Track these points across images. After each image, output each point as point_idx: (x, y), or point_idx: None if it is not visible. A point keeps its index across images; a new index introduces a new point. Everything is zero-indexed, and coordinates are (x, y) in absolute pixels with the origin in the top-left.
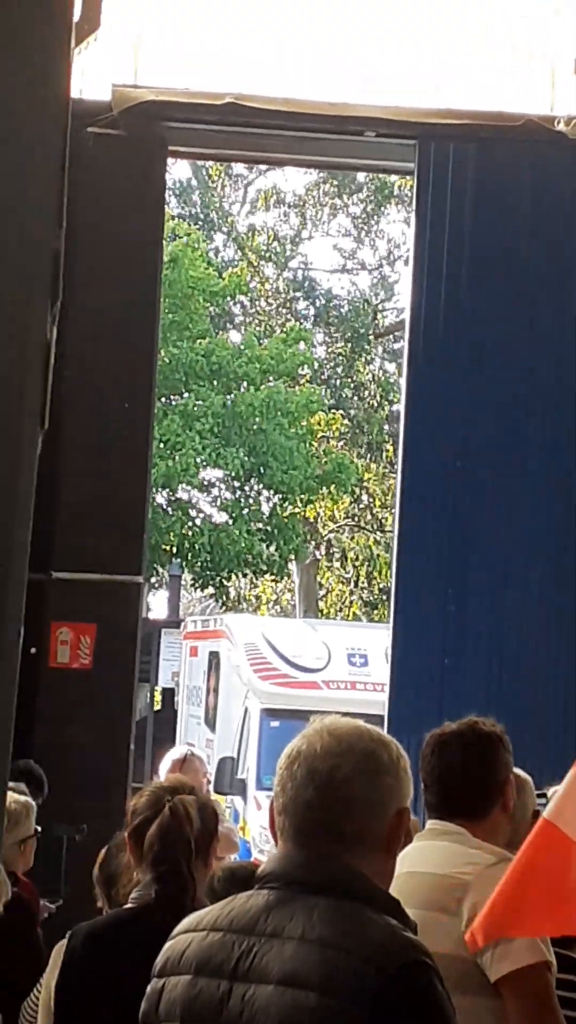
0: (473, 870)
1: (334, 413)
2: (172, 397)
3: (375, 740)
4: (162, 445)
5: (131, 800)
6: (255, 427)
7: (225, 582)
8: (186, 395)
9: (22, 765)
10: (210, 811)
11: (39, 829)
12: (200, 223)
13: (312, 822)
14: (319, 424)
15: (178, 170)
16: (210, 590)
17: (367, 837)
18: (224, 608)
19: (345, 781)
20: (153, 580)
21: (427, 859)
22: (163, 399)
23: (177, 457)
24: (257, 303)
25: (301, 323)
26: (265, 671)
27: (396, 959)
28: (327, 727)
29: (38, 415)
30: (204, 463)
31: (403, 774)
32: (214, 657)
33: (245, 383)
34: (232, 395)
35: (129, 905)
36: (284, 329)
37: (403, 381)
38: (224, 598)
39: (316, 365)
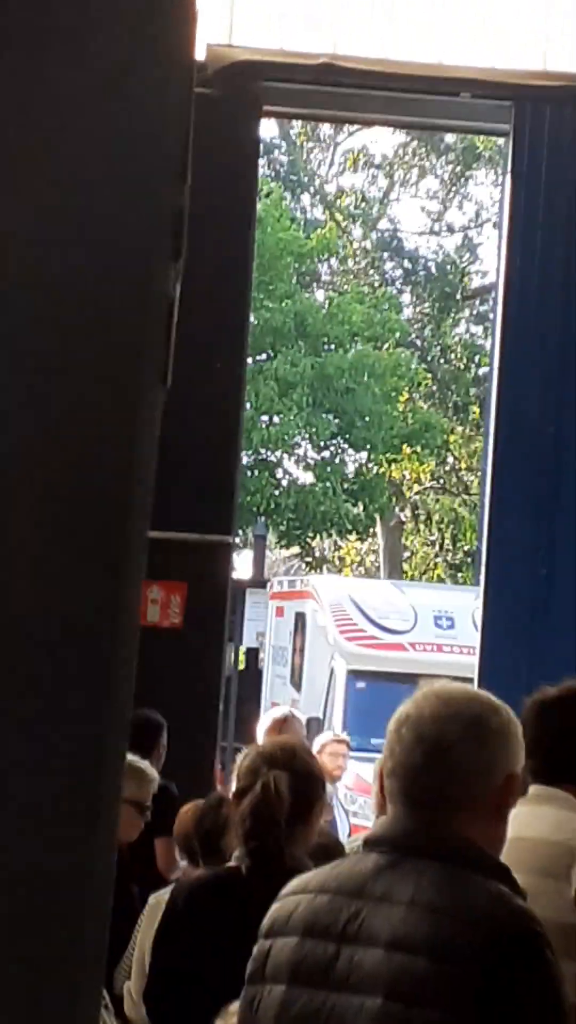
0: None
1: (420, 373)
2: (263, 359)
3: (484, 705)
4: (256, 410)
5: (235, 761)
6: (343, 389)
7: (310, 542)
8: (276, 358)
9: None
10: (314, 779)
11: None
12: (287, 183)
13: (420, 787)
14: (406, 384)
15: (265, 129)
16: (295, 550)
17: (476, 802)
18: (308, 568)
19: (452, 746)
20: (237, 540)
21: (533, 824)
22: (253, 361)
23: (274, 427)
24: (345, 263)
25: (388, 285)
26: (351, 632)
27: (508, 928)
28: (436, 691)
29: (161, 373)
30: (298, 430)
31: (513, 739)
32: (300, 618)
33: (333, 345)
34: (320, 358)
35: (230, 864)
36: (373, 292)
37: (494, 343)
38: (309, 558)
39: (403, 327)
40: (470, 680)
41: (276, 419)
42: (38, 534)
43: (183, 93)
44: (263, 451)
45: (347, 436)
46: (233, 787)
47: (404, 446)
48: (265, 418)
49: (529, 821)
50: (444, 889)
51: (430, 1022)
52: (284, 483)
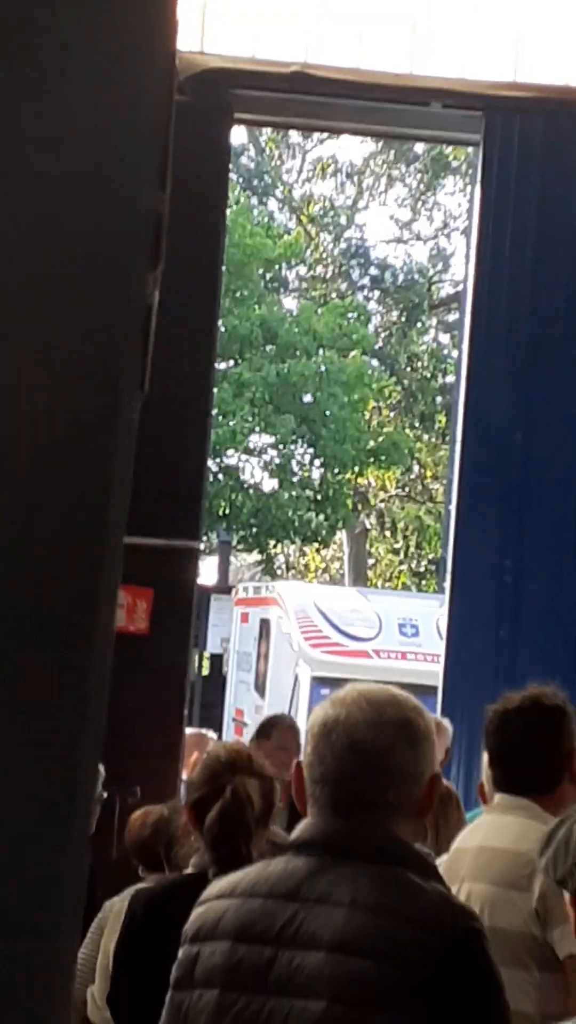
0: None
1: (386, 381)
2: (227, 365)
3: (411, 708)
4: (213, 412)
5: (187, 769)
6: (308, 397)
7: (271, 549)
8: (240, 363)
9: None
10: (269, 786)
11: (104, 794)
12: (254, 189)
13: (353, 792)
14: (372, 394)
15: (235, 136)
16: (257, 556)
17: (405, 804)
18: (271, 575)
19: (387, 752)
20: (203, 545)
21: (497, 834)
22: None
23: (224, 425)
24: (313, 270)
25: (355, 293)
26: (316, 639)
27: (454, 927)
28: (364, 696)
29: (138, 379)
30: (253, 429)
31: (434, 739)
32: (265, 624)
33: (298, 353)
34: (286, 364)
35: (189, 871)
36: (341, 301)
37: (461, 351)
38: (271, 565)
39: (369, 335)
40: (435, 688)
41: (229, 419)
42: (18, 538)
43: (163, 101)
44: (226, 455)
45: (313, 447)
46: (189, 798)
47: (371, 459)
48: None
49: (493, 831)
50: (385, 890)
51: (374, 1023)
52: (245, 487)
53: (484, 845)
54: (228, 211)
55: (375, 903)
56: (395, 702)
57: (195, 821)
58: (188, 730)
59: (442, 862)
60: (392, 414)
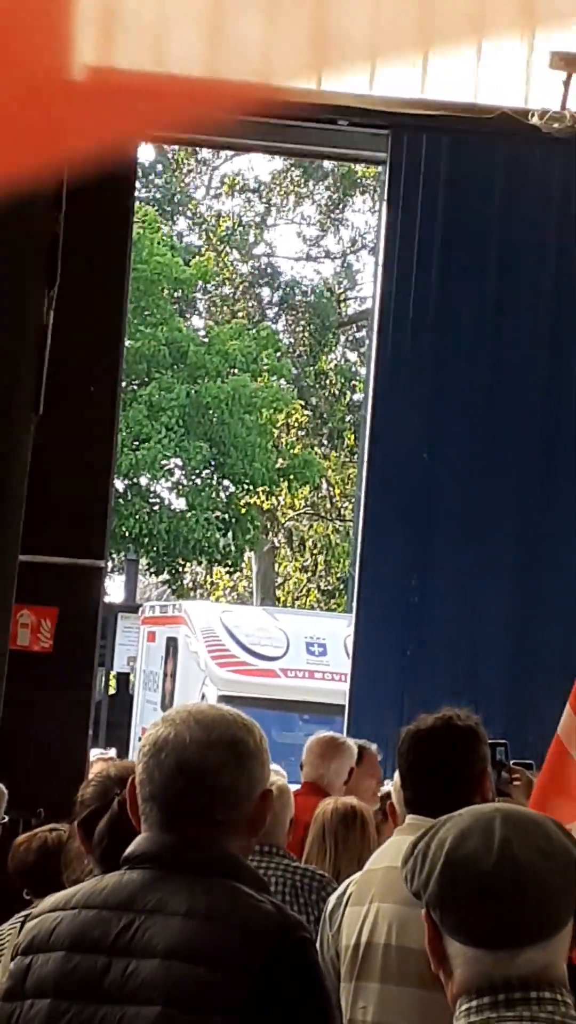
0: None
1: (296, 405)
2: (135, 385)
3: (241, 727)
4: (127, 435)
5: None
6: (218, 419)
7: (181, 569)
8: (150, 384)
9: None
10: None
11: (6, 818)
12: (162, 207)
13: (184, 811)
14: (282, 416)
15: (143, 153)
16: (165, 576)
17: (236, 821)
18: (179, 595)
19: (215, 771)
20: (110, 564)
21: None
22: (126, 387)
23: (143, 449)
24: (220, 289)
25: (265, 308)
26: (223, 658)
27: (285, 936)
28: (194, 715)
29: (32, 401)
30: (168, 455)
31: (265, 757)
32: (172, 642)
33: (209, 374)
34: (197, 386)
35: None
36: (251, 323)
37: (369, 370)
38: (179, 585)
39: (279, 354)
40: (342, 708)
41: (146, 445)
42: None
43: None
44: (135, 477)
45: (222, 467)
46: (78, 816)
47: (281, 480)
48: (136, 442)
49: (402, 850)
50: (219, 900)
51: None
52: (156, 509)
53: (392, 865)
54: (136, 228)
55: (208, 912)
56: (224, 721)
57: (84, 838)
58: (93, 751)
59: (351, 882)
60: (301, 433)
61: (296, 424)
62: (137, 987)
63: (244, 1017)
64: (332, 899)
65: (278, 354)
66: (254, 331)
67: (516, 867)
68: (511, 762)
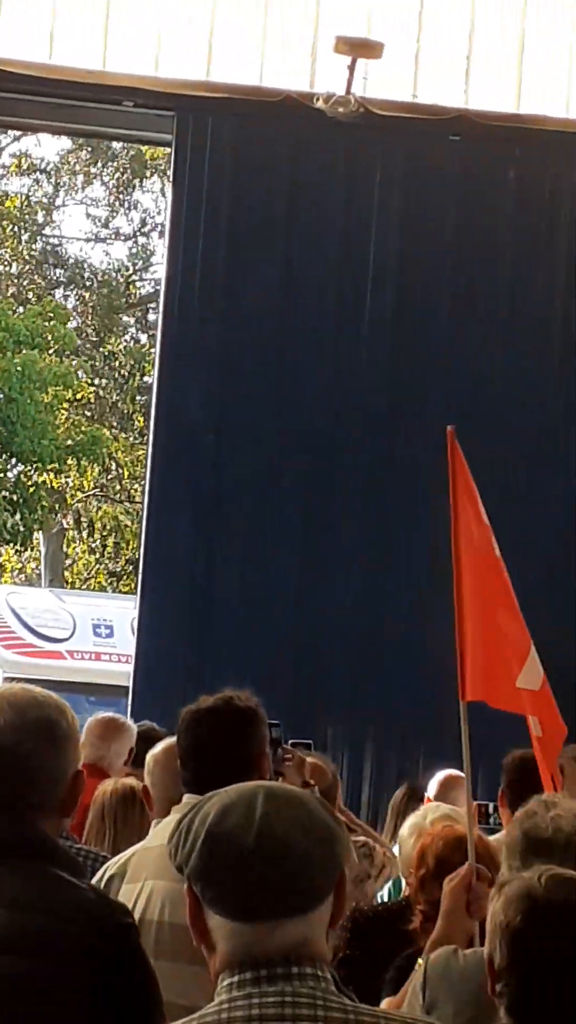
0: None
1: (83, 384)
2: None
3: (54, 708)
4: None
5: None
6: (5, 396)
7: None
8: None
9: None
10: None
11: None
12: None
13: None
14: (69, 395)
15: None
16: None
17: (49, 801)
18: None
19: (30, 755)
20: None
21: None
22: None
23: None
24: (8, 268)
25: (54, 288)
26: (9, 640)
27: (108, 921)
28: (6, 698)
29: None
30: None
31: (76, 740)
32: None
33: None
34: None
35: None
36: (38, 301)
37: (157, 350)
38: None
39: (70, 332)
40: (126, 688)
41: None
42: None
43: None
44: None
45: (9, 446)
46: None
47: (70, 459)
48: None
49: (170, 830)
50: (40, 889)
51: (34, 1019)
52: None
53: (166, 843)
54: None
55: (28, 902)
56: (37, 703)
57: None
58: None
59: (124, 860)
60: (89, 413)
61: (85, 400)
62: None
63: (69, 1008)
64: (104, 876)
65: (66, 324)
66: (39, 306)
67: (275, 841)
68: (290, 742)
